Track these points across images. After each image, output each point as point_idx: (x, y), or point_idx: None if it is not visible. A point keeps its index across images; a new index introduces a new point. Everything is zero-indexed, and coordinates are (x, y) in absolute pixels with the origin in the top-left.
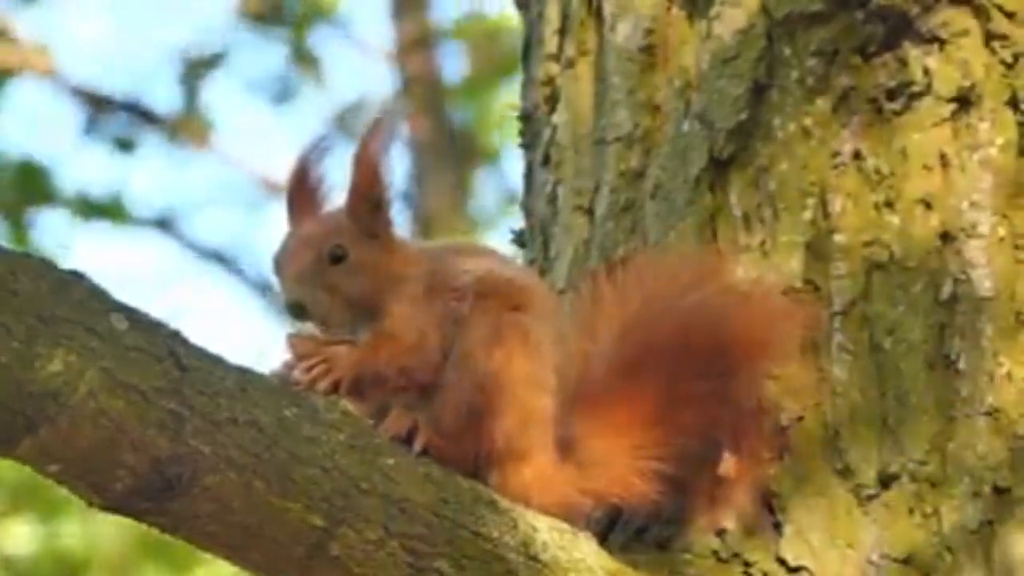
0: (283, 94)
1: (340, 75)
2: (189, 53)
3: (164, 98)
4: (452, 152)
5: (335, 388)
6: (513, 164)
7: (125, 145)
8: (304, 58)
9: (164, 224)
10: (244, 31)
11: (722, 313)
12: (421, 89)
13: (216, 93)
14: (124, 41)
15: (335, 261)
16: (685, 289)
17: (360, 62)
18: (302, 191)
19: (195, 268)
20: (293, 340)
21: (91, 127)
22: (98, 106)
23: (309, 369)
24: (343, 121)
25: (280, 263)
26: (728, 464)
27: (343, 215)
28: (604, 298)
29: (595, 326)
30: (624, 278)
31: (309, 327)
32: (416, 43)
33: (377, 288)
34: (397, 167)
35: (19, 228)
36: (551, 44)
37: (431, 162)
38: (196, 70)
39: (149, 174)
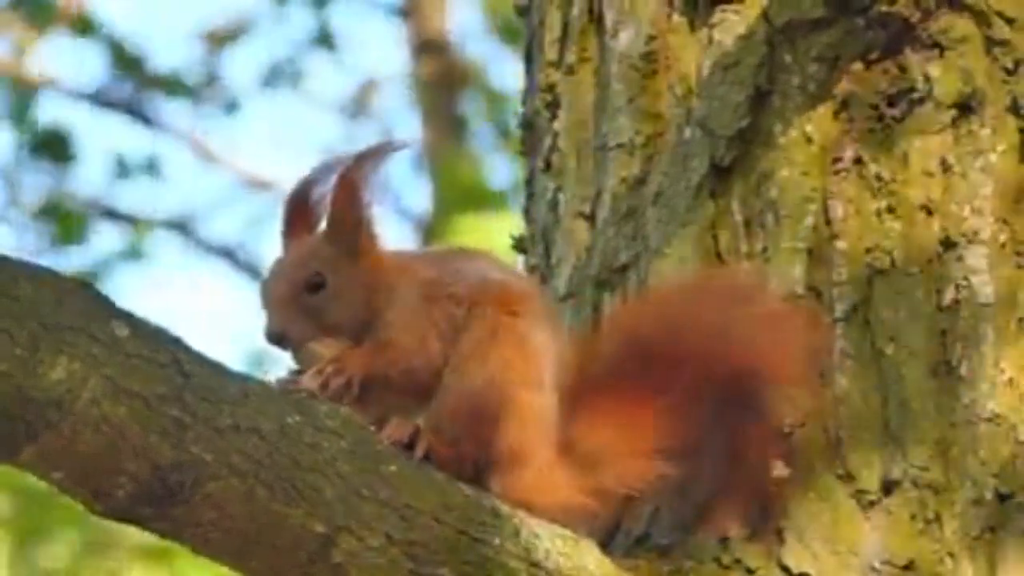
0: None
1: (354, 54)
2: (211, 32)
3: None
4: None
5: (348, 387)
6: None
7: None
8: (325, 36)
9: (180, 225)
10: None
11: (748, 336)
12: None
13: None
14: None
15: (314, 289)
16: (715, 305)
17: (374, 41)
18: (298, 213)
19: (206, 267)
20: (305, 350)
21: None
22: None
23: (320, 372)
24: (358, 102)
25: (262, 294)
26: (780, 468)
27: (322, 240)
28: (617, 305)
29: (604, 328)
30: (644, 292)
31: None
32: (430, 41)
33: (366, 305)
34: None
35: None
36: (552, 51)
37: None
38: (218, 45)
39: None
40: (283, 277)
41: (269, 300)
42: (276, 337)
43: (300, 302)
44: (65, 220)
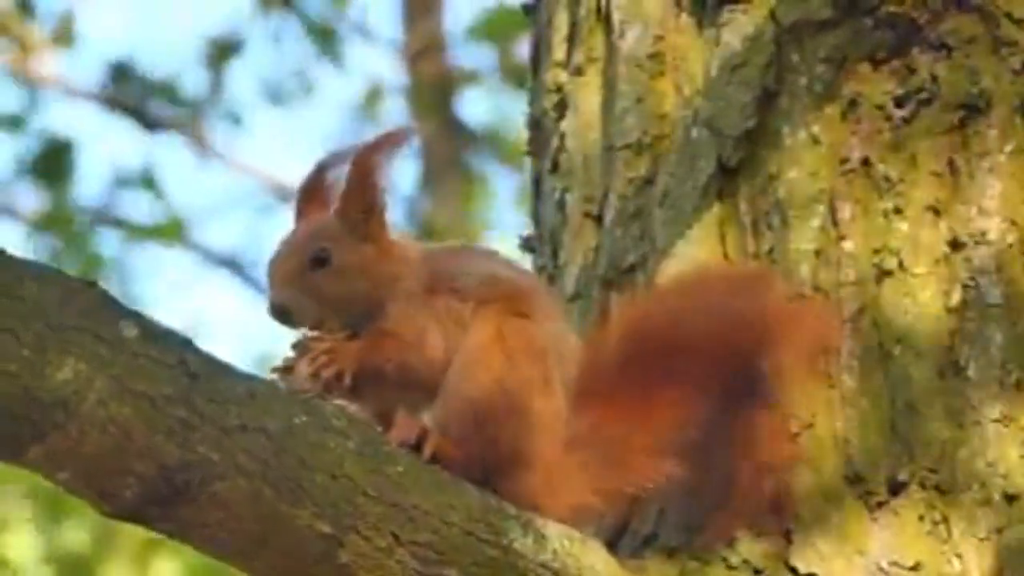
0: (299, 90)
1: (354, 70)
2: (212, 41)
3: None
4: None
5: (339, 379)
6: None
7: (150, 123)
8: (325, 45)
9: (181, 231)
10: (262, 22)
11: (754, 322)
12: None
13: (235, 89)
14: (142, 35)
15: (318, 264)
16: (720, 294)
17: (373, 58)
18: (311, 197)
19: (207, 274)
20: (305, 338)
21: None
22: (112, 108)
23: (313, 360)
24: (360, 113)
25: (268, 268)
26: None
27: (332, 218)
28: (622, 302)
29: (610, 326)
30: (654, 285)
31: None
32: (427, 46)
33: (369, 290)
34: (401, 173)
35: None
36: (560, 51)
37: (439, 168)
38: (219, 56)
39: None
40: (289, 252)
41: (274, 274)
42: (279, 311)
43: (304, 278)
44: (66, 231)
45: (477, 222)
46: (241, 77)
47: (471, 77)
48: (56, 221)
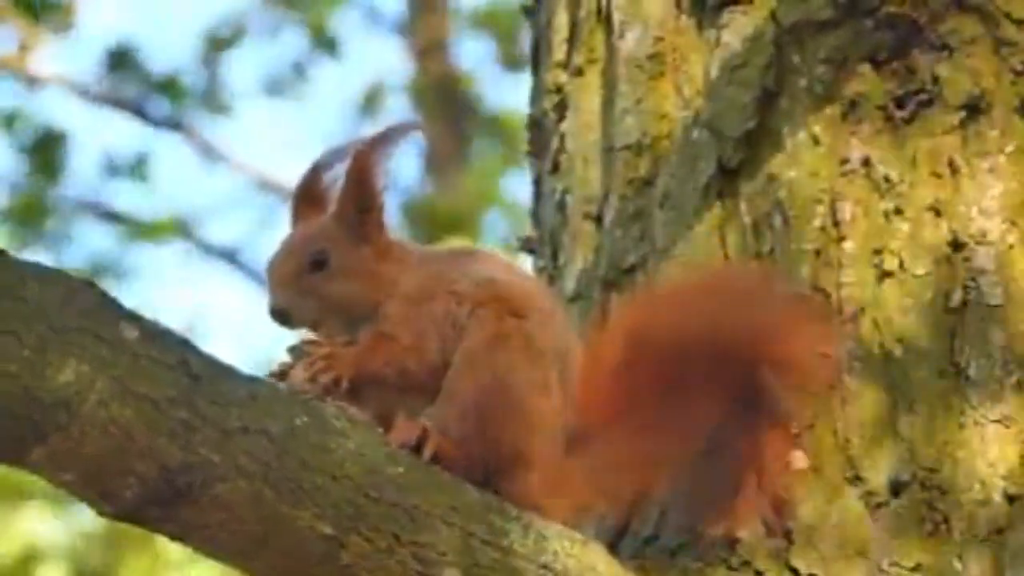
0: (298, 80)
1: (357, 58)
2: (211, 32)
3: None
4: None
5: (336, 385)
6: None
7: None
8: (324, 41)
9: (182, 227)
10: (261, 15)
11: (757, 327)
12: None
13: (235, 83)
14: (141, 31)
15: (316, 266)
16: (723, 300)
17: (378, 52)
18: (308, 198)
19: (208, 269)
20: (302, 343)
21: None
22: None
23: (310, 366)
24: (363, 106)
25: (267, 270)
26: (799, 458)
27: (330, 220)
28: (623, 304)
29: (612, 327)
30: (654, 287)
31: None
32: (432, 41)
33: (367, 292)
34: (400, 172)
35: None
36: (560, 52)
37: (441, 162)
38: (216, 48)
39: (163, 178)
40: (288, 254)
41: (273, 277)
42: (279, 314)
43: (303, 280)
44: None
45: (478, 209)
46: (241, 70)
47: (473, 75)
48: (33, 212)
